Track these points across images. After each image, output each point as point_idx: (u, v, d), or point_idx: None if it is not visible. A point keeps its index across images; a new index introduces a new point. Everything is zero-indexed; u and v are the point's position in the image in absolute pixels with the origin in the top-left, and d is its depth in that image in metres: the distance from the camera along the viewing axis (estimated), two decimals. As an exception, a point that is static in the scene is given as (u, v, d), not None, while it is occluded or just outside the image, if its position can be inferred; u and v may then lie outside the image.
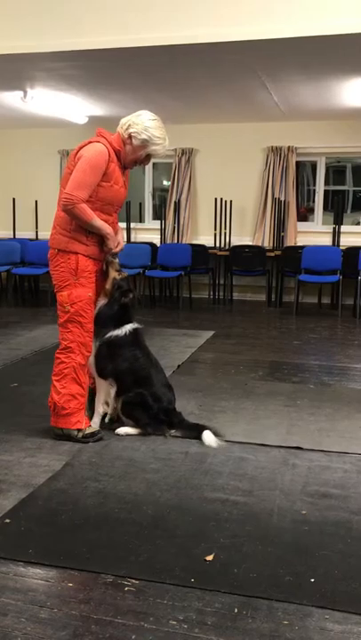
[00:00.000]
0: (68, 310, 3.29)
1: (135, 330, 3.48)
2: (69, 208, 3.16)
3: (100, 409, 3.50)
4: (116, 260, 3.43)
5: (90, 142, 3.24)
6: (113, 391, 3.45)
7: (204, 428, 3.38)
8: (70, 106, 7.55)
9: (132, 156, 3.30)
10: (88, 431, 3.34)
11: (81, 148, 3.24)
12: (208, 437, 3.31)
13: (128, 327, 3.44)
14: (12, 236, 9.36)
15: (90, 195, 3.18)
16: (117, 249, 3.40)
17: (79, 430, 3.32)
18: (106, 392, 3.48)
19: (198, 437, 3.34)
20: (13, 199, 9.34)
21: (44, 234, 9.31)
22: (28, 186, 9.41)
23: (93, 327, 3.38)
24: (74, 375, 3.32)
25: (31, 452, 3.19)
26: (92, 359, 3.41)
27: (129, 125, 3.25)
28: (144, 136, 3.23)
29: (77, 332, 3.31)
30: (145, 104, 7.32)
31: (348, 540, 2.37)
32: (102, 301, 3.44)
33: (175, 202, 8.91)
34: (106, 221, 3.30)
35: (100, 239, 3.32)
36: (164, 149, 3.36)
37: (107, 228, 3.28)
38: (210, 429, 3.36)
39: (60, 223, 3.30)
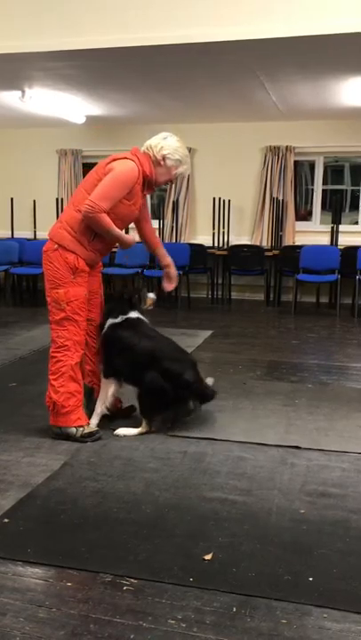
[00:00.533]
0: (63, 308, 3.32)
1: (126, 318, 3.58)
2: (90, 215, 3.23)
3: (99, 409, 3.50)
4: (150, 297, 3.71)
5: (125, 158, 3.31)
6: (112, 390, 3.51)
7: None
8: (69, 105, 7.55)
9: (165, 177, 3.43)
10: (86, 431, 3.34)
11: (114, 160, 3.31)
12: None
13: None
14: (10, 236, 9.35)
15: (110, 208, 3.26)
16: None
17: (78, 428, 3.32)
18: (108, 392, 3.51)
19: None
20: (11, 199, 9.33)
21: (43, 234, 9.29)
22: (26, 185, 9.40)
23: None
24: (71, 373, 3.33)
25: (30, 452, 3.19)
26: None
27: (161, 147, 3.36)
28: (177, 156, 3.38)
29: (74, 330, 3.34)
30: (143, 104, 7.39)
31: (346, 538, 2.37)
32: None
33: (173, 201, 8.91)
34: None
35: (104, 250, 3.45)
36: (189, 170, 3.62)
37: (125, 237, 3.44)
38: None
39: (68, 220, 3.35)
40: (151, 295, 3.72)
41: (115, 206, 3.27)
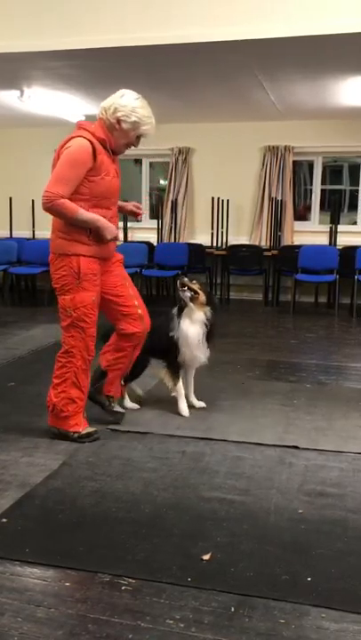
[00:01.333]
0: (70, 314, 3.21)
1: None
2: (48, 206, 3.05)
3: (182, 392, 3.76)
4: (186, 278, 3.65)
5: (70, 138, 3.12)
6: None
7: None
8: (67, 105, 7.54)
9: (123, 140, 3.18)
10: (84, 432, 3.33)
11: (63, 145, 3.14)
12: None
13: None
14: (8, 236, 9.34)
15: (72, 191, 3.06)
16: (139, 214, 3.42)
17: (76, 432, 3.31)
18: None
19: None
20: (10, 198, 9.33)
21: (41, 233, 9.29)
22: (24, 185, 9.37)
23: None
24: (74, 379, 3.28)
25: (28, 452, 3.18)
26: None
27: (115, 109, 3.10)
28: (133, 118, 3.10)
29: (79, 336, 3.24)
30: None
31: (344, 538, 2.37)
32: (207, 313, 3.64)
33: (172, 201, 8.91)
34: (105, 216, 3.19)
35: (100, 238, 3.20)
36: (154, 128, 3.21)
37: (96, 219, 3.14)
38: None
39: (57, 227, 3.22)
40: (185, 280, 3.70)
41: (88, 188, 3.09)
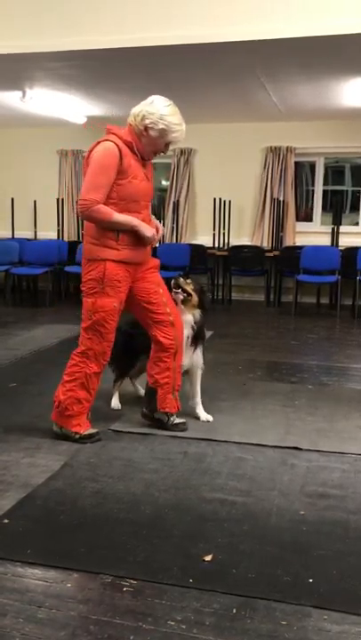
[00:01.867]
0: (90, 317, 3.23)
1: None
2: (86, 213, 3.09)
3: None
4: (181, 279, 3.53)
5: (98, 143, 3.13)
6: None
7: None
8: (69, 106, 7.55)
9: (151, 148, 3.17)
10: (86, 433, 3.32)
11: (91, 150, 3.14)
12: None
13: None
14: (10, 236, 9.35)
15: (106, 195, 3.08)
16: (158, 235, 3.31)
17: (77, 432, 3.31)
18: None
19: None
20: (12, 199, 9.33)
21: (43, 234, 9.31)
22: (26, 186, 9.40)
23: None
24: (84, 381, 3.27)
25: (29, 453, 3.18)
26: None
27: (143, 116, 3.09)
28: (161, 126, 3.08)
29: (96, 340, 3.24)
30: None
31: (346, 539, 2.37)
32: (196, 315, 3.56)
33: (174, 202, 8.90)
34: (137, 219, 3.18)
35: (135, 239, 3.20)
36: (183, 135, 3.19)
37: (132, 221, 3.14)
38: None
39: (88, 232, 3.23)
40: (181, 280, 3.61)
41: (116, 192, 3.09)
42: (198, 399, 3.72)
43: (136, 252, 3.24)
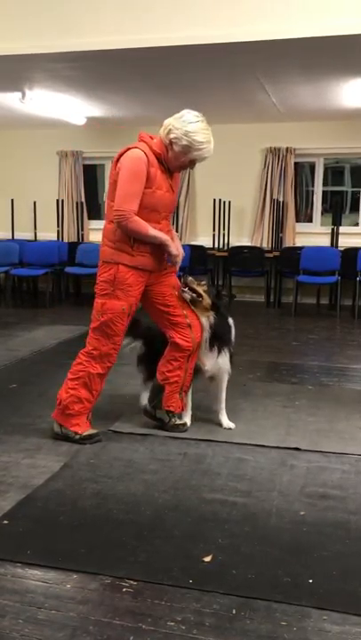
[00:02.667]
0: (99, 318, 3.25)
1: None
2: (124, 224, 3.09)
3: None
4: (190, 278, 3.43)
5: (128, 149, 3.14)
6: None
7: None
8: (69, 107, 7.55)
9: (175, 162, 3.17)
10: (86, 433, 3.33)
11: (120, 155, 3.15)
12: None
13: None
14: (10, 237, 9.35)
15: (140, 202, 3.10)
16: (179, 256, 3.31)
17: (76, 433, 3.31)
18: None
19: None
20: (12, 200, 9.34)
21: (43, 235, 9.32)
22: (26, 187, 9.40)
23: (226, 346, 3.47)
24: (87, 381, 3.28)
25: (29, 453, 3.18)
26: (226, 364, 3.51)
27: (170, 130, 3.10)
28: (184, 142, 3.07)
29: (103, 341, 3.26)
30: (144, 105, 7.38)
31: (346, 540, 2.37)
32: (210, 318, 3.45)
33: (174, 203, 8.90)
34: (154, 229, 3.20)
35: (154, 249, 3.22)
36: (209, 153, 3.17)
37: (162, 236, 3.19)
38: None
39: (106, 235, 3.24)
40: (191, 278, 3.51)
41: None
42: (223, 405, 3.62)
43: (149, 260, 3.25)
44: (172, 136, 3.10)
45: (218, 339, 3.48)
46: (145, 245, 3.20)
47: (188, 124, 3.09)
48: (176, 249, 3.29)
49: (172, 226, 3.44)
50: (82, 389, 3.29)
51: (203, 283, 3.56)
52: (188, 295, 3.46)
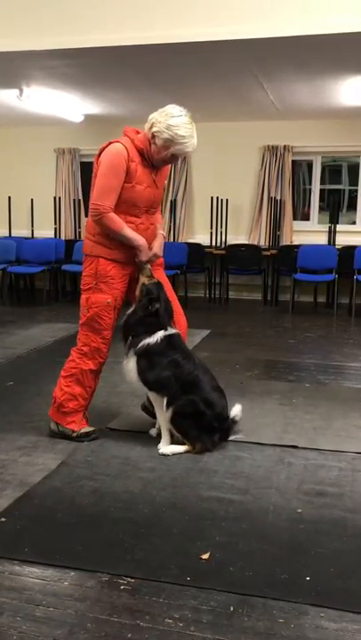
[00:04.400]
0: (85, 313, 3.25)
1: (169, 336, 3.19)
2: (97, 218, 3.09)
3: (165, 424, 3.19)
4: (148, 266, 3.26)
5: (110, 143, 3.14)
6: (165, 402, 3.15)
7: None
8: (67, 104, 7.54)
9: (157, 157, 3.15)
10: (83, 431, 3.32)
11: (102, 150, 3.15)
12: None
13: (160, 334, 3.15)
14: (7, 235, 9.34)
15: (117, 198, 3.08)
16: (151, 259, 3.25)
17: (73, 430, 3.31)
18: (162, 404, 3.16)
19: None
20: (9, 197, 9.32)
21: (40, 232, 9.31)
22: (23, 184, 9.39)
23: (124, 336, 3.24)
24: (80, 377, 3.28)
25: (27, 451, 3.18)
26: (134, 375, 3.19)
27: (152, 124, 3.09)
28: (166, 135, 3.05)
29: (92, 337, 3.25)
30: (141, 102, 7.36)
31: (343, 537, 2.38)
32: (131, 309, 3.28)
33: (171, 200, 8.91)
34: (132, 223, 3.18)
35: (129, 246, 3.19)
36: (192, 148, 3.14)
37: (138, 240, 3.15)
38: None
39: (87, 228, 3.27)
40: (148, 267, 3.28)
41: (118, 194, 3.09)
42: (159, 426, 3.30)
43: (128, 254, 3.22)
44: (154, 129, 3.08)
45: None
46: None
47: (170, 117, 3.07)
48: (147, 256, 3.22)
49: (162, 219, 3.38)
50: (75, 386, 3.29)
51: (155, 279, 3.31)
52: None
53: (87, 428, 3.36)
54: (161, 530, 2.41)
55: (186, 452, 3.15)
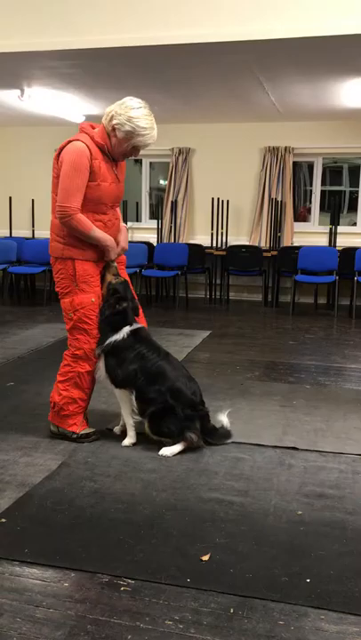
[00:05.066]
0: (71, 317, 3.22)
1: (135, 330, 3.28)
2: (66, 220, 3.06)
3: (130, 421, 3.27)
4: (114, 264, 3.31)
5: (69, 142, 3.11)
6: (133, 397, 3.22)
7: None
8: (67, 104, 7.54)
9: (118, 149, 3.13)
10: (83, 432, 3.32)
11: (62, 149, 3.11)
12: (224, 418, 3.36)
13: (126, 329, 3.24)
14: (8, 235, 9.34)
15: (83, 197, 3.07)
16: (117, 251, 3.28)
17: (74, 432, 3.31)
18: (128, 401, 3.25)
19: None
20: (10, 197, 9.32)
21: (41, 232, 9.31)
22: (24, 184, 9.40)
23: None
24: (77, 380, 3.27)
25: (27, 452, 3.18)
26: (102, 372, 3.25)
27: (112, 116, 3.06)
28: (127, 127, 3.03)
29: (83, 339, 3.24)
30: (142, 103, 7.38)
31: (343, 540, 2.37)
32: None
33: (172, 201, 8.91)
34: (100, 221, 3.19)
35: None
36: (153, 139, 3.13)
37: (106, 240, 3.17)
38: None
39: (54, 230, 3.22)
40: (115, 265, 3.31)
41: (85, 193, 3.07)
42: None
43: (100, 253, 3.23)
44: (114, 122, 3.06)
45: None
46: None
47: (130, 109, 3.05)
48: (116, 255, 3.26)
49: (120, 213, 3.42)
50: (74, 390, 3.28)
51: (122, 277, 3.35)
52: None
53: (87, 430, 3.35)
54: (161, 531, 2.41)
55: (184, 448, 3.17)
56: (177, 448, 3.17)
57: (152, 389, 3.18)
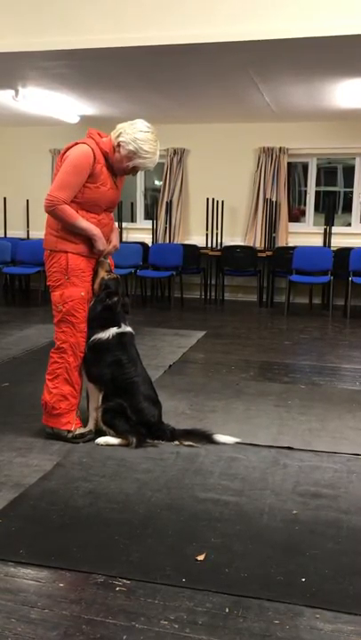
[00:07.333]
0: (60, 310, 3.27)
1: (122, 334, 3.32)
2: (51, 209, 3.16)
3: (93, 413, 3.37)
4: (107, 261, 3.38)
5: (76, 143, 3.20)
6: (101, 396, 3.31)
7: (204, 431, 3.36)
8: (62, 105, 7.53)
9: (118, 165, 3.24)
10: (78, 432, 3.33)
11: (68, 149, 3.21)
12: (222, 437, 3.33)
13: (113, 330, 3.29)
14: (2, 235, 9.32)
15: (74, 195, 3.15)
16: (109, 249, 3.37)
17: (69, 431, 3.31)
18: (96, 396, 3.34)
19: (204, 441, 3.30)
20: (4, 198, 9.30)
21: (36, 233, 9.29)
22: (19, 185, 9.37)
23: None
24: (66, 376, 3.30)
25: (22, 452, 3.18)
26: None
27: (120, 133, 3.17)
28: (131, 147, 3.15)
29: (70, 332, 3.28)
30: (137, 104, 7.38)
31: (338, 539, 2.38)
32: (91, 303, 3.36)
33: (167, 202, 8.90)
34: (94, 218, 3.25)
35: (89, 238, 3.25)
36: (152, 164, 3.27)
37: (92, 230, 3.22)
38: (212, 433, 3.34)
39: (49, 224, 3.30)
40: (107, 261, 3.39)
41: (82, 192, 3.15)
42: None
43: (92, 247, 3.28)
44: (121, 139, 3.16)
45: None
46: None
47: (138, 131, 3.17)
48: (104, 245, 3.30)
49: (112, 216, 3.52)
50: (64, 386, 3.31)
51: (114, 274, 3.43)
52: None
53: (82, 430, 3.36)
54: (156, 531, 2.41)
55: (120, 445, 3.25)
56: (113, 441, 3.27)
57: (117, 400, 3.27)
